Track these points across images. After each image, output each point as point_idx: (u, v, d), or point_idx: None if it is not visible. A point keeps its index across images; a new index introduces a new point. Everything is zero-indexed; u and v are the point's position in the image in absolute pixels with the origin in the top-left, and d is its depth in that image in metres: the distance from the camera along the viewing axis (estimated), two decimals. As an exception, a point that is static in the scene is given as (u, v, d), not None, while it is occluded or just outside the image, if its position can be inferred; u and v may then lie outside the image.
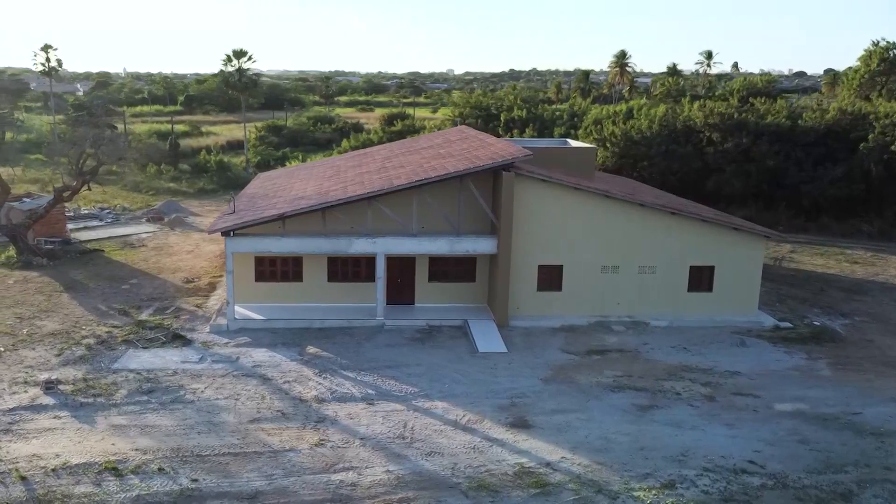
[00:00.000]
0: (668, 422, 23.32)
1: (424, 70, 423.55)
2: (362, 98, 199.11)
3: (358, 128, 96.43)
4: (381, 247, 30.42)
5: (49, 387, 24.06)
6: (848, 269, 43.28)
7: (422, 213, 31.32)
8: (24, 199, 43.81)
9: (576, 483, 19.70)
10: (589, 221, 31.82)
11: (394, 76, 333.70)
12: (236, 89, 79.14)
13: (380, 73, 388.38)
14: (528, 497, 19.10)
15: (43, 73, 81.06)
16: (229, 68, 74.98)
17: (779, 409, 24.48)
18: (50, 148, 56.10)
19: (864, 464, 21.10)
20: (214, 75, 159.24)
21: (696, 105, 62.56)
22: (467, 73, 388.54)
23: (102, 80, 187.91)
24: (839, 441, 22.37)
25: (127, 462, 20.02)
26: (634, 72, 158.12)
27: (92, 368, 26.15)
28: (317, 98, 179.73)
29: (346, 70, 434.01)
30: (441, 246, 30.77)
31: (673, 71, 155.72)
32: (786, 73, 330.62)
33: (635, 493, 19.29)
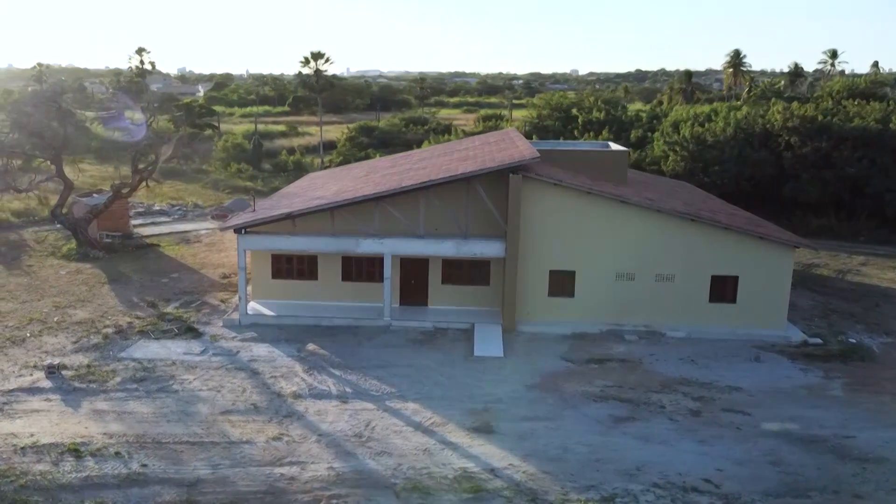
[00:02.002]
0: (638, 435, 22.62)
1: (546, 71, 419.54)
2: (472, 99, 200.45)
3: (448, 129, 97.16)
4: (388, 247, 30.79)
5: (51, 371, 25.66)
6: (917, 284, 40.48)
7: (436, 215, 31.45)
8: (94, 195, 46.62)
9: (512, 490, 19.45)
10: (603, 227, 31.13)
11: (514, 77, 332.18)
12: (313, 90, 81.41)
13: (500, 73, 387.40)
14: (459, 501, 19.02)
15: (137, 73, 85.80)
16: (307, 70, 77.25)
17: (765, 428, 23.31)
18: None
19: (832, 489, 19.88)
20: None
21: (776, 107, 59.76)
22: (591, 74, 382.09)
23: (220, 82, 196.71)
24: (816, 464, 21.12)
25: (90, 445, 21.15)
26: (752, 71, 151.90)
27: (100, 356, 27.70)
28: (427, 100, 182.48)
29: (468, 71, 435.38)
30: (448, 248, 30.84)
31: (795, 71, 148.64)
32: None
33: (570, 506, 18.90)
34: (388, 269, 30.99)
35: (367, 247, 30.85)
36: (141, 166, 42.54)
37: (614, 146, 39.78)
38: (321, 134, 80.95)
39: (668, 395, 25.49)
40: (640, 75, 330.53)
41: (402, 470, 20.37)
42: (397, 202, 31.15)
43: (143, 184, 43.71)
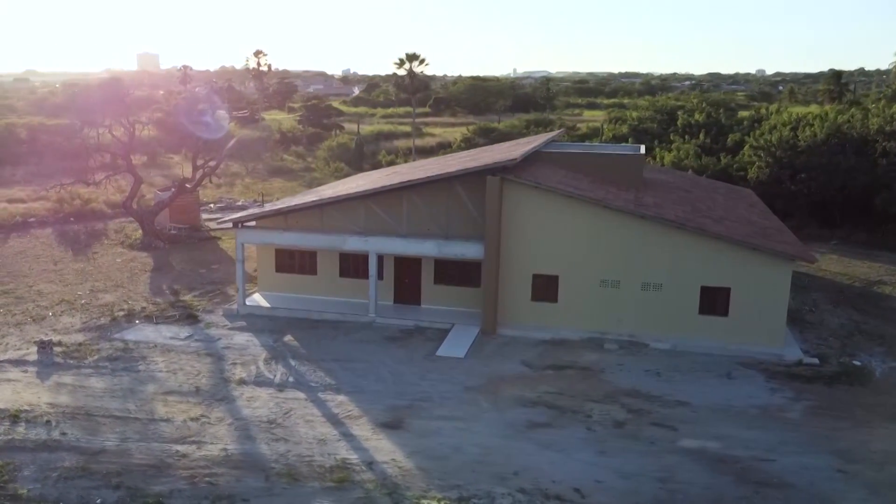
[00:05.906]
0: (541, 441, 22.39)
1: (727, 71, 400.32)
2: (627, 101, 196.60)
3: (571, 130, 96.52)
4: (372, 245, 31.76)
5: (42, 347, 28.56)
6: None
7: (426, 215, 32.06)
8: (171, 189, 50.44)
9: (374, 484, 19.93)
10: (587, 231, 30.62)
11: (688, 77, 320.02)
12: (407, 91, 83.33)
13: (674, 74, 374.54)
14: (320, 489, 19.73)
15: (255, 75, 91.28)
16: (401, 71, 79.24)
17: (682, 444, 22.40)
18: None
19: (705, 511, 19.02)
20: (465, 78, 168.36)
21: (875, 109, 55.39)
22: (777, 74, 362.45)
23: (373, 83, 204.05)
24: (706, 484, 20.19)
25: (31, 412, 23.52)
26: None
27: (96, 336, 30.41)
28: (577, 101, 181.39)
29: (642, 71, 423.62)
30: (429, 248, 31.40)
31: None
32: None
33: (422, 503, 19.19)
34: (373, 267, 31.94)
35: (352, 244, 31.98)
36: (199, 162, 45.81)
37: (644, 149, 38.70)
38: (413, 136, 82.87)
39: (605, 405, 24.92)
40: (833, 74, 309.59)
41: (287, 457, 21.31)
42: (383, 202, 32.06)
43: (207, 179, 46.91)
